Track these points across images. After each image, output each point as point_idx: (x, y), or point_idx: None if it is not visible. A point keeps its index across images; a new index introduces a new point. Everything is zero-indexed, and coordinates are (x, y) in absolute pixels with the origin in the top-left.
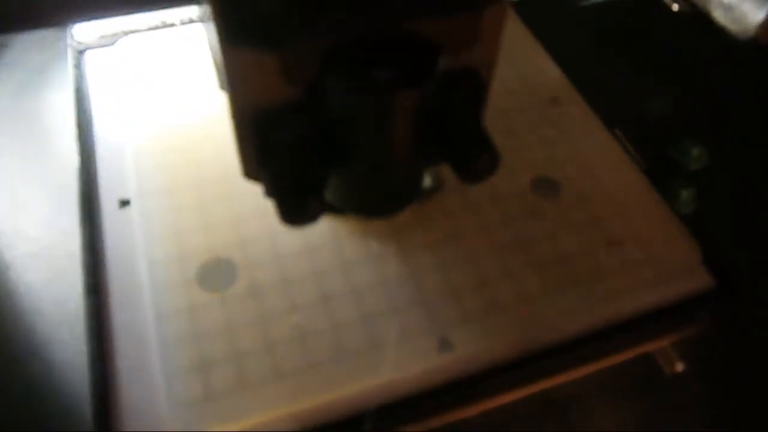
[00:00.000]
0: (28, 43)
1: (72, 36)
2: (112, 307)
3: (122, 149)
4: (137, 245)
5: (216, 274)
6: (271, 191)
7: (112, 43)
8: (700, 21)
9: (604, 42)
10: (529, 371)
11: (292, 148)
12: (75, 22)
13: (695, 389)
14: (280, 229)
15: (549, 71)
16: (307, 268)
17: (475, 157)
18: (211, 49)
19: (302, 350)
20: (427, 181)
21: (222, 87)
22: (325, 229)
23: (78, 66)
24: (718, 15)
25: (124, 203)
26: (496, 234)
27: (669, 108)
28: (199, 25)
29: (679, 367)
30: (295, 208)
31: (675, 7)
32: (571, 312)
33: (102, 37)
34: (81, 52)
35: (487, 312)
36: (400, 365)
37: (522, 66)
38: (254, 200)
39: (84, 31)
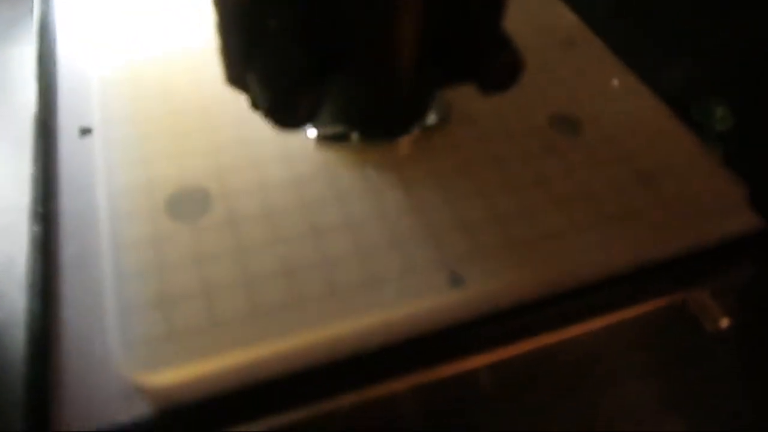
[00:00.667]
0: None
1: None
2: (62, 238)
3: (88, 77)
4: (98, 175)
5: (188, 203)
6: (259, 93)
7: None
8: None
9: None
10: (549, 315)
11: (283, 37)
12: None
13: (739, 353)
14: (265, 158)
15: (565, 17)
16: (295, 200)
17: (494, 58)
18: None
19: (288, 284)
20: (431, 118)
21: None
22: (317, 159)
23: None
24: None
25: (85, 131)
26: (511, 169)
27: (690, 67)
28: None
29: (724, 322)
30: (285, 106)
31: None
32: (600, 249)
33: None
34: None
35: (504, 247)
36: (404, 301)
37: (536, 11)
38: (235, 130)
39: None
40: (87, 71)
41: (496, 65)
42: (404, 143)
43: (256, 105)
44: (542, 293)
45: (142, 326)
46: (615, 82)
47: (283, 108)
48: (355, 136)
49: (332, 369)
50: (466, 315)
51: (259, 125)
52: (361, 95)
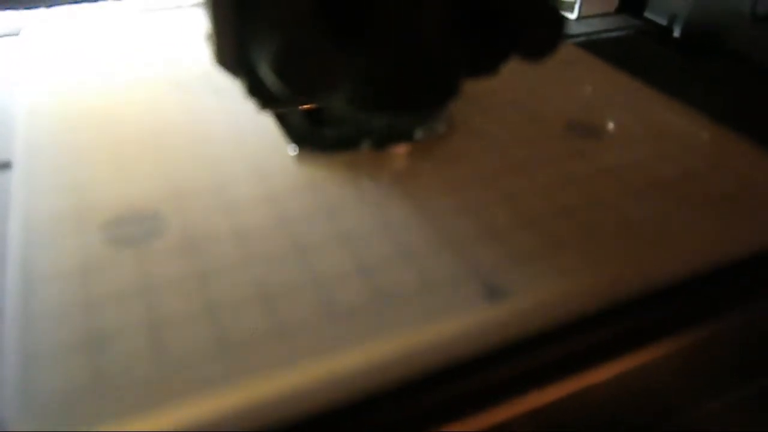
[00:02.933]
0: None
1: None
2: None
3: (10, 110)
4: (14, 208)
5: (131, 227)
6: (265, 56)
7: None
8: None
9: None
10: (620, 329)
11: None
12: None
13: None
14: (233, 178)
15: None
16: (272, 217)
17: (534, 21)
18: None
19: (266, 311)
20: (431, 129)
21: None
22: (299, 176)
23: None
24: None
25: (3, 166)
26: (535, 174)
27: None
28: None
29: None
30: (296, 62)
31: None
32: (676, 244)
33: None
34: None
35: (548, 250)
36: (425, 322)
37: None
38: (193, 152)
39: None
40: (10, 104)
41: (536, 25)
42: (401, 155)
43: (253, 90)
44: (609, 298)
45: (55, 376)
46: (625, 87)
47: (292, 65)
48: (367, 142)
49: (334, 417)
50: (511, 335)
51: (223, 146)
52: (385, 63)
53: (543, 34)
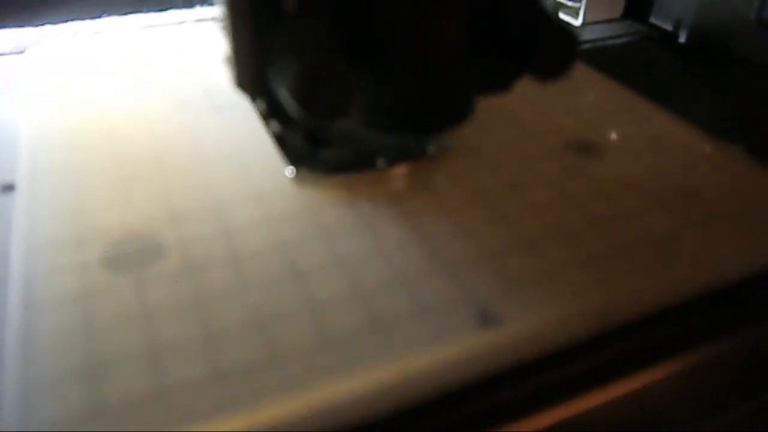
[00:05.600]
0: None
1: None
2: None
3: (14, 131)
4: (17, 231)
5: (131, 253)
6: (283, 81)
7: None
8: None
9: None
10: (616, 353)
11: (304, 17)
12: None
13: None
14: (231, 201)
15: None
16: (270, 240)
17: (547, 39)
18: None
19: (262, 338)
20: (429, 149)
21: None
22: (297, 199)
23: None
24: None
25: (7, 188)
26: (533, 194)
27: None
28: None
29: None
30: (314, 89)
31: None
32: (665, 269)
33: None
34: None
35: (544, 275)
36: (420, 348)
37: None
38: (192, 176)
39: None
40: (14, 125)
41: (549, 46)
42: (398, 176)
43: (269, 111)
44: (602, 322)
45: (55, 406)
46: (625, 102)
47: (311, 90)
48: (381, 161)
49: None
50: (506, 360)
51: (221, 169)
52: (405, 86)
53: (555, 56)
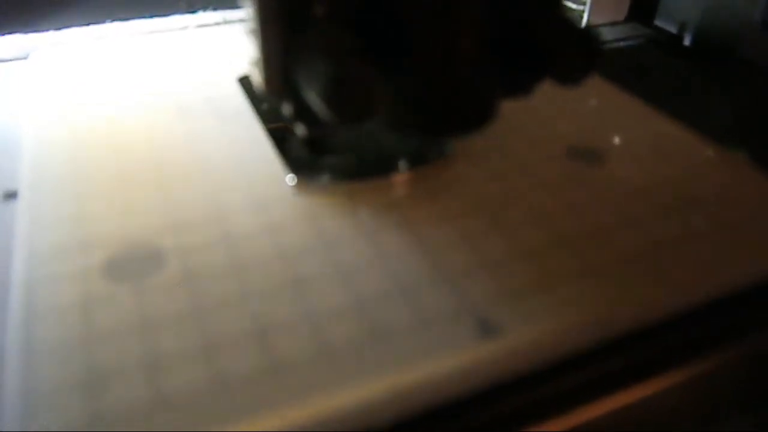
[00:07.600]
0: None
1: None
2: None
3: (17, 139)
4: (18, 239)
5: (133, 262)
6: (311, 87)
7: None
8: None
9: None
10: (617, 364)
11: (331, 24)
12: None
13: None
14: (232, 209)
15: None
16: (271, 250)
17: (568, 47)
18: None
19: (262, 348)
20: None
21: None
22: (298, 207)
23: None
24: None
25: (10, 195)
26: (535, 202)
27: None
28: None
29: None
30: (341, 93)
31: None
32: (663, 280)
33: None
34: None
35: (545, 285)
36: (419, 359)
37: None
38: (192, 185)
39: None
40: (17, 131)
41: (570, 49)
42: (399, 184)
43: (296, 114)
44: (603, 332)
45: (55, 417)
46: (627, 108)
47: (340, 94)
48: (403, 164)
49: None
50: (506, 371)
51: (222, 177)
52: (424, 86)
53: (576, 60)
